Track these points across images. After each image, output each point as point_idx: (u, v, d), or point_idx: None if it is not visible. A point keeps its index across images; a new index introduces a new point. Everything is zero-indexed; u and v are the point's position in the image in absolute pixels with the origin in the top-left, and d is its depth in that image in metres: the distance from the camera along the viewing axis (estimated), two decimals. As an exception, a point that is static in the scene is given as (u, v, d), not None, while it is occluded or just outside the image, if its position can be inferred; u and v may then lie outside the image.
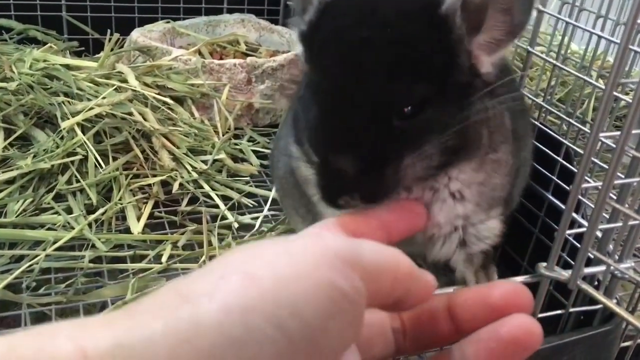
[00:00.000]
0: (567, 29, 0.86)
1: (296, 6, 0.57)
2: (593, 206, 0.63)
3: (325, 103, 0.51)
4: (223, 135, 1.19)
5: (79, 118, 1.01)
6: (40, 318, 0.80)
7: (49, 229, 0.90)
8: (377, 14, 0.51)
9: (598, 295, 0.63)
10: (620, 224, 0.65)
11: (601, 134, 0.60)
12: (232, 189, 1.07)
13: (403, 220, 0.52)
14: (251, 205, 1.04)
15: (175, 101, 1.21)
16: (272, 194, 1.05)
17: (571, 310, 0.71)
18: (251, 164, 1.16)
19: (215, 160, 1.11)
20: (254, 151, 1.19)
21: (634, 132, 0.59)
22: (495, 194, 0.62)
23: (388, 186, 0.50)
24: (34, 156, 1.00)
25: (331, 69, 0.50)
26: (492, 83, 0.54)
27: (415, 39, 0.50)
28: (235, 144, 1.21)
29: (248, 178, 1.12)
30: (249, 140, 1.24)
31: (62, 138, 1.02)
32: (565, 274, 0.65)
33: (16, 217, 0.90)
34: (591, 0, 1.13)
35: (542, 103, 0.82)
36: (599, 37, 0.75)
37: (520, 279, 0.66)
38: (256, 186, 1.10)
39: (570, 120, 0.76)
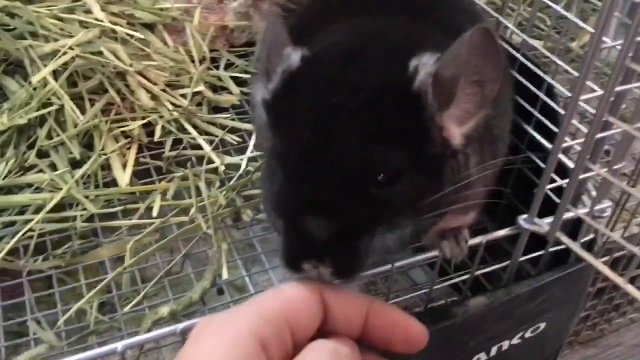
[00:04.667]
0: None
1: (259, 74, 0.56)
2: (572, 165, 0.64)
3: (293, 166, 0.48)
4: (199, 62, 1.16)
5: (49, 69, 0.97)
6: (40, 288, 0.82)
7: (36, 188, 0.91)
8: (348, 84, 0.49)
9: (575, 247, 0.66)
10: (593, 173, 0.66)
11: (583, 97, 0.59)
12: (214, 125, 1.07)
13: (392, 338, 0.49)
14: (235, 143, 1.04)
15: (146, 27, 1.16)
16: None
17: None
18: (231, 93, 1.14)
19: (194, 94, 1.09)
20: (233, 78, 1.17)
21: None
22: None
23: (362, 259, 0.48)
24: (9, 110, 0.97)
25: (300, 132, 0.48)
26: (462, 151, 0.54)
27: (387, 111, 0.48)
28: (214, 68, 1.18)
29: (230, 110, 1.11)
30: (226, 66, 1.21)
31: (35, 88, 0.99)
32: (544, 227, 0.67)
33: (3, 179, 0.90)
34: None
35: (524, 36, 0.79)
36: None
37: (502, 232, 0.69)
38: (239, 119, 1.09)
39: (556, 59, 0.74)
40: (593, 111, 0.60)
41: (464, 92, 0.50)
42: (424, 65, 0.50)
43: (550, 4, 0.74)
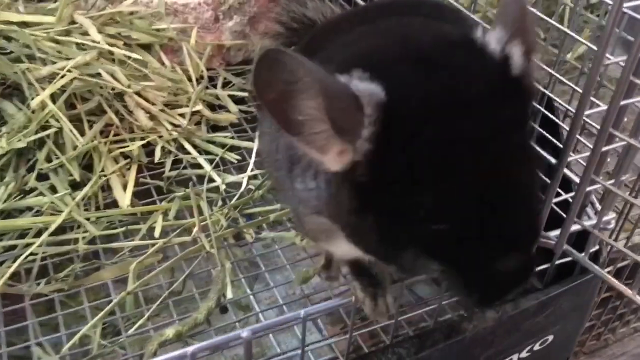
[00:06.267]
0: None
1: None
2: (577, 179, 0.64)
3: (482, 211, 0.47)
4: (196, 81, 1.16)
5: (47, 92, 0.97)
6: (42, 311, 0.81)
7: (37, 212, 0.90)
8: (477, 115, 0.47)
9: (582, 260, 0.66)
10: (599, 185, 0.66)
11: (586, 112, 0.60)
12: (214, 143, 1.06)
13: None
14: (235, 161, 1.04)
15: (143, 48, 1.16)
16: (255, 145, 1.04)
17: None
18: (229, 111, 1.14)
19: (193, 113, 1.09)
20: (231, 96, 1.17)
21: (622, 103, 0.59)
22: None
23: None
24: (8, 134, 0.97)
25: (475, 178, 0.46)
26: None
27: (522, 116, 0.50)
28: (212, 87, 1.18)
29: (229, 128, 1.11)
30: (224, 84, 1.21)
31: (33, 112, 0.99)
32: (552, 240, 0.67)
33: (3, 203, 0.89)
34: None
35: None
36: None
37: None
38: (238, 137, 1.09)
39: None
40: (597, 125, 0.60)
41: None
42: (509, 46, 0.49)
43: (549, 20, 0.74)
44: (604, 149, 0.63)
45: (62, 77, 1.00)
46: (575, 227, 0.69)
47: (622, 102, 0.60)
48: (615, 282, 0.63)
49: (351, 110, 0.46)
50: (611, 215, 0.72)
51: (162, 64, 1.17)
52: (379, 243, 0.51)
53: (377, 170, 0.47)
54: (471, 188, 0.46)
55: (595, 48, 0.59)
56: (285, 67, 0.44)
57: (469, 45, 0.50)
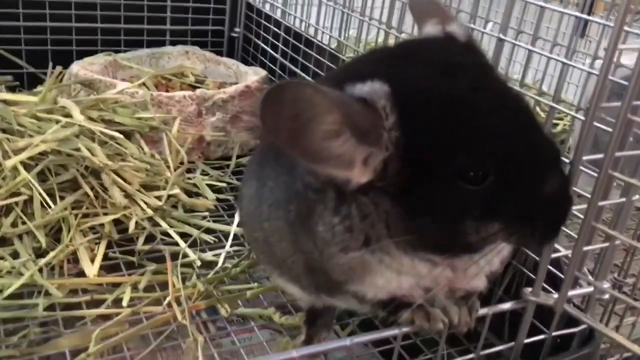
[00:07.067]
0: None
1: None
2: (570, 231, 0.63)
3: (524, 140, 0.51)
4: (175, 170, 1.14)
5: (23, 156, 0.94)
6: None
7: (-4, 277, 0.83)
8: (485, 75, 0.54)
9: (586, 319, 0.63)
10: (603, 245, 0.65)
11: (584, 157, 0.60)
12: (189, 224, 1.03)
13: None
14: (211, 242, 1.00)
15: (123, 135, 1.16)
16: (232, 228, 1.01)
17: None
18: (207, 198, 1.12)
19: (169, 196, 1.06)
20: (208, 185, 1.15)
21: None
22: None
23: None
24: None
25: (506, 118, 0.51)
26: None
27: None
28: (189, 178, 1.17)
29: (205, 213, 1.08)
30: (201, 174, 1.20)
31: (4, 178, 0.95)
32: (551, 299, 0.64)
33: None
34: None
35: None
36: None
37: (507, 305, 0.66)
38: (214, 221, 1.06)
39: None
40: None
41: None
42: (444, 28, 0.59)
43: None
44: (601, 203, 0.63)
45: (37, 146, 0.97)
46: (574, 292, 0.67)
47: (618, 154, 0.61)
48: (621, 338, 0.60)
49: (366, 111, 0.49)
50: (606, 284, 0.70)
51: (142, 151, 1.16)
52: (439, 230, 0.51)
53: (413, 153, 0.49)
54: (498, 131, 0.49)
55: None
56: (290, 99, 0.46)
57: (423, 40, 0.60)
